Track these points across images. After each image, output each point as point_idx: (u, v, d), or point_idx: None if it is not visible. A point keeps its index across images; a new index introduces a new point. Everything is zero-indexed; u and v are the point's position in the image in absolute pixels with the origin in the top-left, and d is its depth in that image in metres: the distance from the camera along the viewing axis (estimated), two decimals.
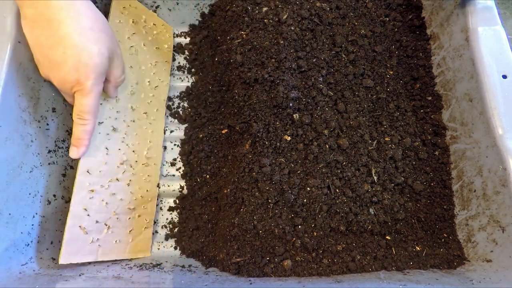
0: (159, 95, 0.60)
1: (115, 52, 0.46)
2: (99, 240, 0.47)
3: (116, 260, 0.49)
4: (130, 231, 0.51)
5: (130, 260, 0.50)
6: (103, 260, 0.48)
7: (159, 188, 0.56)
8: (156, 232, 0.55)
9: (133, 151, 0.54)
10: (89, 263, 0.49)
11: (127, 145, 0.53)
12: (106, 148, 0.50)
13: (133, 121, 0.55)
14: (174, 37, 0.66)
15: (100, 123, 0.50)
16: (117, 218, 0.50)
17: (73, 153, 0.46)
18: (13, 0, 0.42)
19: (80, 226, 0.46)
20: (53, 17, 0.39)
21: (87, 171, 0.47)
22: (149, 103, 0.58)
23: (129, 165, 0.53)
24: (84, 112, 0.43)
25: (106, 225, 0.48)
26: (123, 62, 0.49)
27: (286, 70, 0.50)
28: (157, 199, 0.56)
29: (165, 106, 0.60)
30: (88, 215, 0.47)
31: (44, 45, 0.40)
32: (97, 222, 0.47)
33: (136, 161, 0.54)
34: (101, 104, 0.50)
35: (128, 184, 0.52)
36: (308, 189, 0.47)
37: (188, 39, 0.66)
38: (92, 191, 0.47)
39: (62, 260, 0.43)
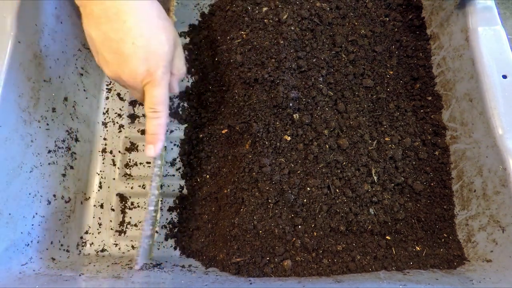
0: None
1: (177, 41, 0.45)
2: (147, 243, 0.48)
3: (116, 260, 0.49)
4: (151, 232, 0.51)
5: (130, 260, 0.50)
6: (104, 261, 0.48)
7: (161, 188, 0.57)
8: (156, 232, 0.55)
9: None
10: (89, 263, 0.49)
11: None
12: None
13: None
14: None
15: None
16: (150, 220, 0.50)
17: (150, 151, 0.44)
18: (74, 1, 0.41)
19: (146, 230, 0.46)
20: (121, 10, 0.38)
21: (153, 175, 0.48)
22: None
23: (153, 166, 0.53)
24: (157, 103, 0.42)
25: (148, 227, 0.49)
26: (184, 53, 0.47)
27: (286, 70, 0.50)
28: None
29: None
30: (150, 219, 0.47)
31: (113, 39, 0.39)
32: (150, 225, 0.48)
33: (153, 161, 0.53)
34: None
35: (154, 185, 0.52)
36: (308, 189, 0.47)
37: (188, 39, 0.66)
38: (153, 195, 0.48)
39: (138, 266, 0.45)
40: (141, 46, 0.39)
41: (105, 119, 0.60)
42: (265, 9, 0.54)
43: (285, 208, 0.46)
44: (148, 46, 0.39)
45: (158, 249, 0.54)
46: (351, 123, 0.50)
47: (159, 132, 0.43)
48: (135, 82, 0.41)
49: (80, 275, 0.43)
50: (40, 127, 0.46)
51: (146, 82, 0.41)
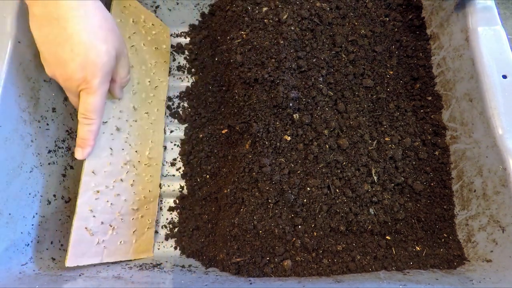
0: (159, 95, 0.60)
1: (122, 51, 0.46)
2: (104, 241, 0.47)
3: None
4: (133, 231, 0.51)
5: (130, 260, 0.50)
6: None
7: (161, 188, 0.57)
8: (156, 232, 0.55)
9: (136, 151, 0.53)
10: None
11: (130, 145, 0.53)
12: (110, 148, 0.50)
13: (135, 121, 0.54)
14: (174, 37, 0.66)
15: (104, 122, 0.49)
16: (122, 219, 0.49)
17: (78, 154, 0.45)
18: (22, 0, 0.42)
19: (86, 228, 0.45)
20: (62, 16, 0.39)
21: (92, 172, 0.47)
22: (149, 103, 0.57)
23: (132, 166, 0.52)
24: (90, 111, 0.43)
25: (111, 226, 0.48)
26: (129, 62, 0.49)
27: (286, 70, 0.50)
28: (158, 199, 0.56)
29: (165, 106, 0.60)
30: (93, 216, 0.46)
31: (52, 43, 0.40)
32: (102, 223, 0.47)
33: (139, 161, 0.53)
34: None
35: (132, 185, 0.52)
36: (308, 189, 0.47)
37: (188, 39, 0.66)
38: (98, 192, 0.47)
39: (68, 263, 0.42)
40: (79, 54, 0.40)
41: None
42: (265, 9, 0.54)
43: (285, 208, 0.46)
44: (86, 55, 0.40)
45: (158, 249, 0.54)
46: (351, 123, 0.50)
47: (89, 138, 0.45)
48: (70, 86, 0.42)
49: (80, 275, 0.43)
50: (40, 127, 0.46)
51: (81, 88, 0.42)
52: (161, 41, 0.63)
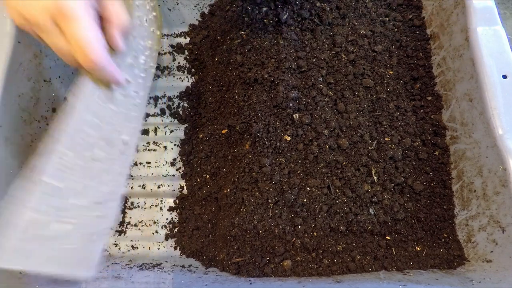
0: (147, 80, 0.53)
1: None
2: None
3: (116, 260, 0.49)
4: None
5: (130, 260, 0.50)
6: (103, 261, 0.47)
7: (160, 188, 0.57)
8: (156, 232, 0.55)
9: (115, 129, 0.43)
10: None
11: (112, 120, 0.43)
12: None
13: (124, 97, 0.45)
14: (174, 37, 0.66)
15: None
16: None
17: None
18: None
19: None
20: None
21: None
22: (139, 82, 0.50)
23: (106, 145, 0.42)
24: (86, 42, 0.32)
25: None
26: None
27: (286, 70, 0.50)
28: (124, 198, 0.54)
29: (148, 96, 0.54)
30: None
31: None
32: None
33: (113, 143, 0.43)
34: None
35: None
36: (308, 189, 0.47)
37: (188, 39, 0.66)
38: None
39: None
40: None
41: None
42: (265, 9, 0.54)
43: (285, 208, 0.46)
44: None
45: (158, 249, 0.54)
46: (351, 123, 0.50)
47: (110, 69, 0.36)
48: (46, 22, 0.32)
49: None
50: (40, 127, 0.46)
51: (60, 22, 0.32)
52: (158, 26, 0.58)
